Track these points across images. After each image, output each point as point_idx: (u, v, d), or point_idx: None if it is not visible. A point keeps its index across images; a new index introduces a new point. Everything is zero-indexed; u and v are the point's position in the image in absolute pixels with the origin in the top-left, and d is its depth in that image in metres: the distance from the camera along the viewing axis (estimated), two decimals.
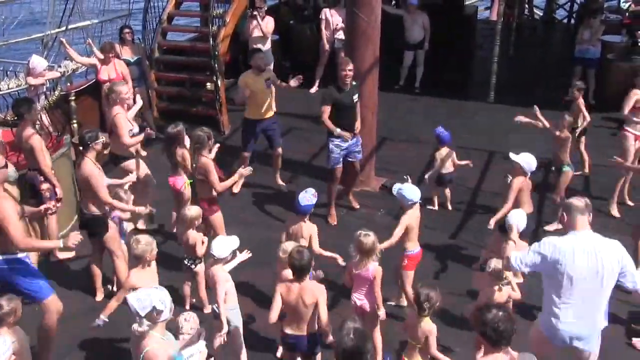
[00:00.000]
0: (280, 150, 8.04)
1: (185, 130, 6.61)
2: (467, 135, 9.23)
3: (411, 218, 5.62)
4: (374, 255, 4.98)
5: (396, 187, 5.73)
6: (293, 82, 7.83)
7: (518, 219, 5.31)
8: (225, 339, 4.97)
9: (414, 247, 5.70)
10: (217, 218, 6.18)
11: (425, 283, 4.81)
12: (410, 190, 5.64)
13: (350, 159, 7.33)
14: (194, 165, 6.07)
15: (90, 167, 5.77)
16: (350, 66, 6.95)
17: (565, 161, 7.04)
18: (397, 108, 10.27)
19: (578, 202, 4.19)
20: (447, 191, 7.68)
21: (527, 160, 6.12)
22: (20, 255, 4.89)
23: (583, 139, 8.13)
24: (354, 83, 7.11)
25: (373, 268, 4.99)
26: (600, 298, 4.19)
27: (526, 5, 15.65)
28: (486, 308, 3.65)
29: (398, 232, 5.57)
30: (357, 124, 7.25)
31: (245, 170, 6.18)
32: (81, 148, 5.88)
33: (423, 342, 4.64)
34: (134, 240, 4.90)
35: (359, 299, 5.11)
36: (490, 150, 8.94)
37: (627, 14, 12.94)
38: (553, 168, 7.38)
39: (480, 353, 4.93)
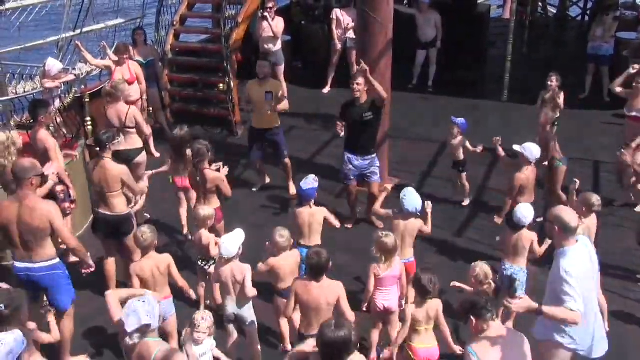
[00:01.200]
0: (286, 160, 7.92)
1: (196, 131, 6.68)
2: (480, 135, 9.18)
3: (401, 226, 5.59)
4: (397, 252, 5.07)
5: (403, 192, 5.71)
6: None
7: (524, 213, 5.39)
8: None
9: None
10: (222, 227, 6.24)
11: (420, 269, 4.85)
12: (409, 199, 5.59)
13: (366, 180, 7.18)
14: (197, 178, 6.11)
15: (117, 165, 5.88)
16: (359, 80, 6.74)
17: (556, 157, 6.98)
18: (410, 107, 10.24)
19: (574, 222, 4.21)
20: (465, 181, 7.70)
21: (530, 149, 6.20)
22: (57, 260, 4.99)
23: (555, 130, 8.03)
24: (372, 100, 6.86)
25: (399, 264, 5.10)
26: (595, 293, 4.43)
27: (539, 3, 15.53)
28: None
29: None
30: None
31: (224, 170, 6.24)
32: (98, 149, 5.91)
33: (434, 319, 4.74)
34: (140, 232, 5.01)
35: (386, 299, 5.12)
36: (506, 149, 8.87)
37: None
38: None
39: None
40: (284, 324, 5.37)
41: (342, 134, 7.10)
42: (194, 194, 6.77)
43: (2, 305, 4.10)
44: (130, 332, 3.79)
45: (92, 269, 5.27)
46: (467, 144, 7.49)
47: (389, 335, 5.28)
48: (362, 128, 6.93)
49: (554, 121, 7.59)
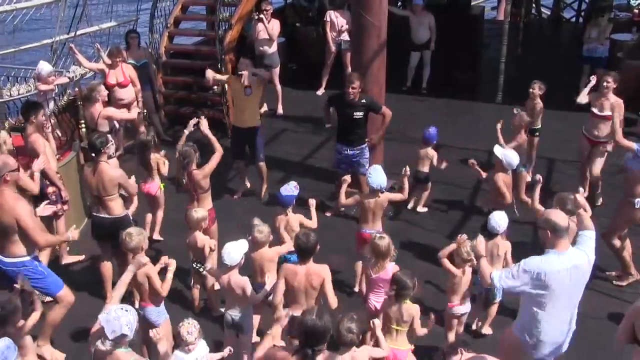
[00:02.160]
0: (261, 164, 7.89)
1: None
2: (474, 136, 9.22)
3: (371, 203, 5.78)
4: (390, 256, 5.04)
5: (369, 169, 5.94)
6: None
7: (499, 221, 5.38)
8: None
9: (365, 227, 5.86)
10: (215, 228, 6.25)
11: (402, 271, 4.80)
12: (375, 176, 5.78)
13: (355, 170, 7.31)
14: (183, 180, 6.11)
15: (112, 169, 5.90)
16: (355, 84, 6.90)
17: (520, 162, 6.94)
18: (404, 109, 10.23)
19: (563, 222, 4.15)
20: (426, 193, 7.65)
21: (509, 156, 6.10)
22: (27, 258, 5.03)
23: (536, 140, 8.02)
24: (363, 101, 7.05)
25: (392, 268, 5.04)
26: (576, 303, 4.33)
27: (533, 5, 15.57)
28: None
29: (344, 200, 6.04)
30: (375, 137, 7.21)
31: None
32: (93, 154, 5.89)
33: (408, 323, 4.70)
34: (126, 234, 4.94)
35: (377, 300, 5.13)
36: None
37: (636, 11, 12.85)
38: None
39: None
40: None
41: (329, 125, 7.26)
42: (159, 200, 6.86)
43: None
44: (105, 337, 3.81)
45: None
46: (434, 159, 7.46)
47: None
48: (352, 125, 7.16)
49: (534, 131, 7.61)
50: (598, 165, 7.47)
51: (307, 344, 3.59)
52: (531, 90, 7.85)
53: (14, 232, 4.92)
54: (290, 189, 5.78)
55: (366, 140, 7.33)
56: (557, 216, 4.20)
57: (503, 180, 6.13)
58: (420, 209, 7.68)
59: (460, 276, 5.23)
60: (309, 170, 8.67)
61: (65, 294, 5.29)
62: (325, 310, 3.77)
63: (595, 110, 7.43)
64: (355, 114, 7.04)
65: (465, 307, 5.37)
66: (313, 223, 5.80)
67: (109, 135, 6.23)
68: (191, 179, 6.06)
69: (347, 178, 6.44)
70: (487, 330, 5.69)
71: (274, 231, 5.49)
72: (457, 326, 5.45)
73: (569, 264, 4.14)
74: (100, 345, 3.83)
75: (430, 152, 7.49)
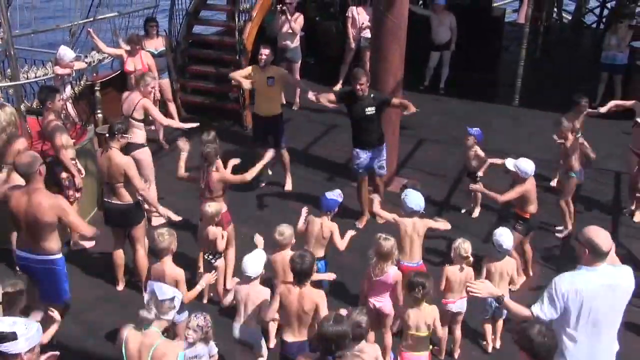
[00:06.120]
0: (283, 151, 7.84)
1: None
2: (490, 139, 9.11)
3: (408, 227, 5.50)
4: (392, 259, 4.95)
5: (404, 192, 5.67)
6: (313, 97, 7.29)
7: (506, 240, 5.23)
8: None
9: (403, 258, 5.42)
10: (232, 230, 6.15)
11: (415, 272, 4.75)
12: (412, 198, 5.54)
13: (374, 172, 7.23)
14: (203, 184, 5.94)
15: (122, 156, 5.82)
16: (362, 80, 6.74)
17: (572, 168, 6.89)
18: (421, 109, 9.97)
19: (605, 246, 3.86)
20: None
21: (522, 166, 5.95)
22: (58, 255, 4.98)
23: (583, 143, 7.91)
24: (372, 95, 6.88)
25: (394, 273, 4.97)
26: (614, 328, 4.07)
27: (555, 9, 15.43)
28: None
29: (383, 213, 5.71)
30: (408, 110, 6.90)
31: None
32: (107, 135, 5.88)
33: (428, 327, 4.65)
34: (158, 234, 4.83)
35: (379, 301, 5.09)
36: (515, 154, 8.80)
37: None
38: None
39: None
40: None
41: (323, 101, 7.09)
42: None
43: (8, 288, 4.21)
44: (150, 306, 3.85)
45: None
46: (482, 154, 7.37)
47: (383, 339, 5.21)
48: (366, 124, 6.98)
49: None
50: None
51: (327, 351, 3.53)
52: (578, 105, 7.60)
53: (52, 230, 4.85)
54: (336, 195, 5.60)
55: (384, 141, 7.18)
56: (601, 239, 3.88)
57: (529, 187, 5.99)
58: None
59: (455, 274, 5.17)
60: (322, 163, 8.66)
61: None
62: (343, 316, 3.68)
63: None
64: (367, 109, 6.86)
65: (458, 306, 5.27)
66: (342, 244, 5.53)
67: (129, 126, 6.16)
68: (209, 179, 5.92)
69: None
70: (497, 343, 5.59)
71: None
72: (453, 325, 5.36)
73: (601, 282, 3.89)
74: (144, 313, 3.84)
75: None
